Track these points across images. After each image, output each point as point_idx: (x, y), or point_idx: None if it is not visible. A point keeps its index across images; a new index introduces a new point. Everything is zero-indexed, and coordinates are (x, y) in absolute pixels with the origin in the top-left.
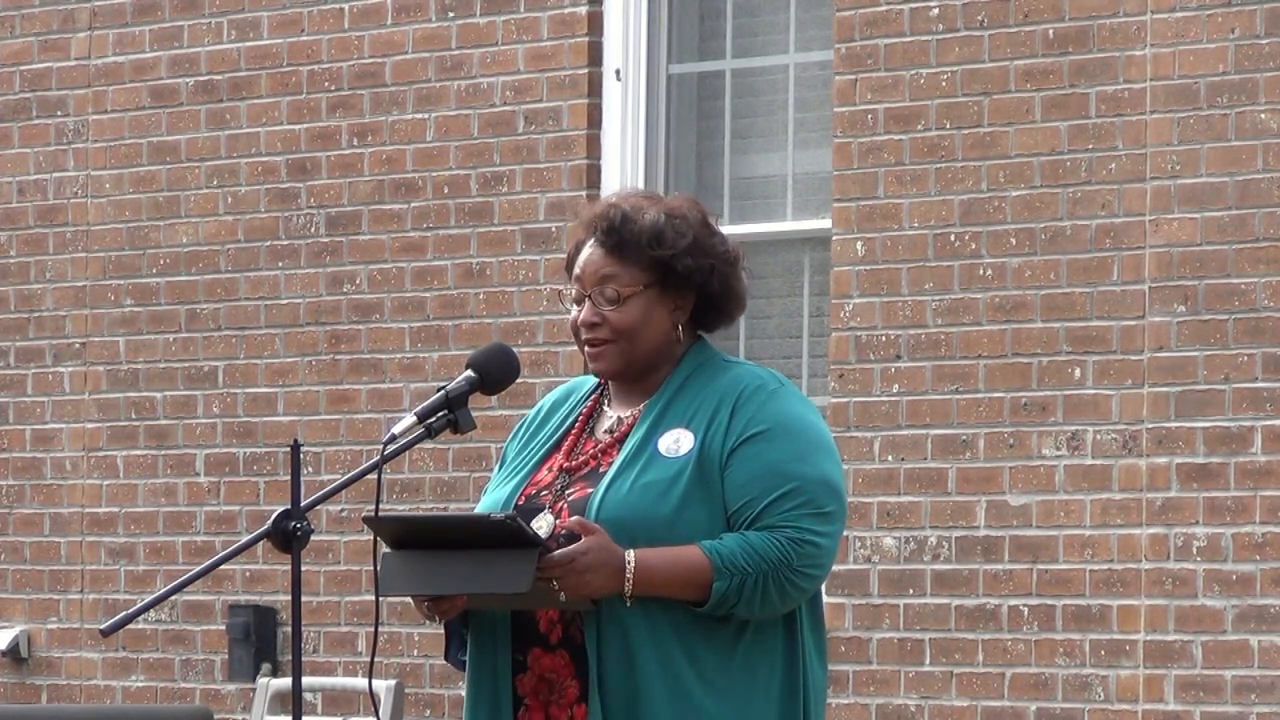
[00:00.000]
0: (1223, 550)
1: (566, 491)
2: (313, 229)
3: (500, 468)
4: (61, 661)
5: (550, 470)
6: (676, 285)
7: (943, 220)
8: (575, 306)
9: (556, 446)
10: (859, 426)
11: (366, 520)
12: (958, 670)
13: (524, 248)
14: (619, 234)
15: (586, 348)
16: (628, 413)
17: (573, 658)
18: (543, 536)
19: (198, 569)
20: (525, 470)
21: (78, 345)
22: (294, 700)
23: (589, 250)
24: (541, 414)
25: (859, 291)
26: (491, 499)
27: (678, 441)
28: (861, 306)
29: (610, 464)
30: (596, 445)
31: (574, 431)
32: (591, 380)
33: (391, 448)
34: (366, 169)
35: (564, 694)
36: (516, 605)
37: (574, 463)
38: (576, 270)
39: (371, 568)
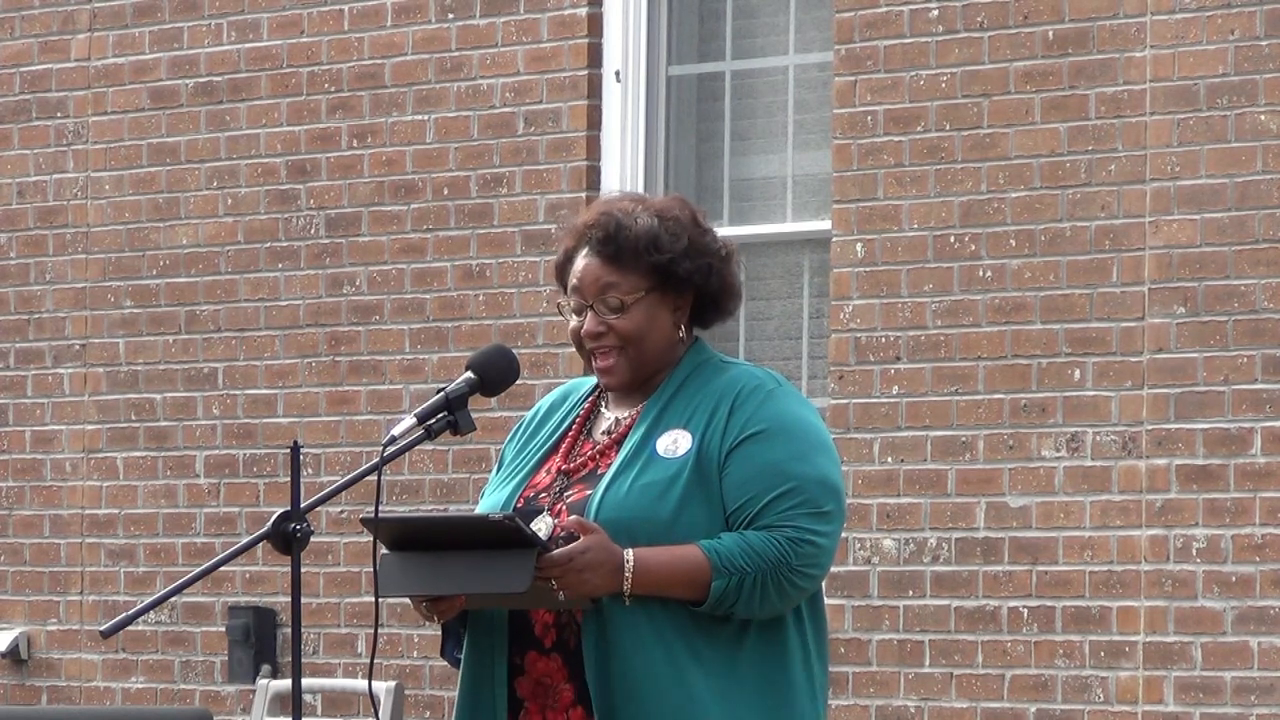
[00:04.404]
0: (1222, 552)
1: (565, 494)
2: (312, 230)
3: (498, 470)
4: (61, 663)
5: (548, 472)
6: (676, 287)
7: (942, 222)
8: (575, 317)
9: (554, 449)
10: (859, 428)
11: (364, 521)
12: (957, 672)
13: (524, 249)
14: (615, 242)
15: (595, 359)
16: (625, 414)
17: (566, 661)
18: (542, 538)
19: (197, 570)
20: (523, 472)
21: (77, 347)
22: (294, 702)
23: (585, 260)
24: (539, 416)
25: (859, 293)
26: (490, 501)
27: (676, 442)
28: (861, 308)
29: (609, 465)
30: (594, 447)
31: (572, 433)
32: (589, 381)
33: (391, 449)
34: (366, 170)
35: (559, 698)
36: (515, 605)
37: (572, 465)
38: (574, 281)
39: (371, 569)
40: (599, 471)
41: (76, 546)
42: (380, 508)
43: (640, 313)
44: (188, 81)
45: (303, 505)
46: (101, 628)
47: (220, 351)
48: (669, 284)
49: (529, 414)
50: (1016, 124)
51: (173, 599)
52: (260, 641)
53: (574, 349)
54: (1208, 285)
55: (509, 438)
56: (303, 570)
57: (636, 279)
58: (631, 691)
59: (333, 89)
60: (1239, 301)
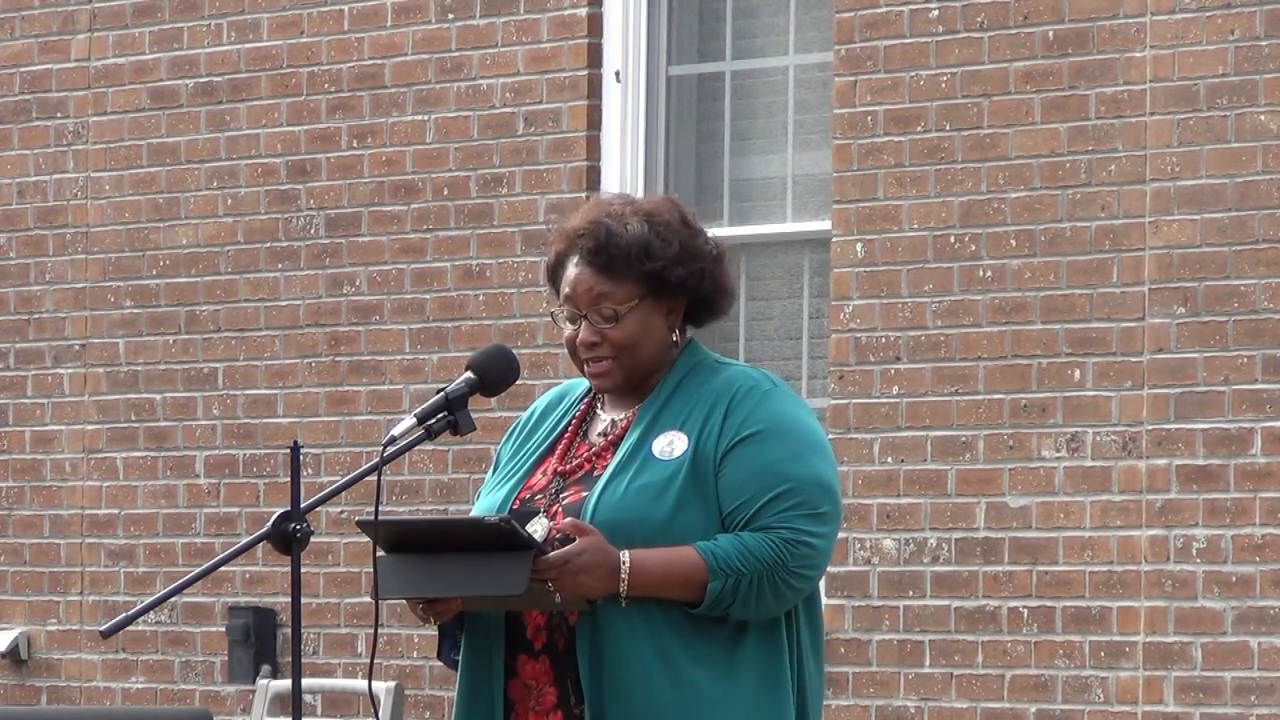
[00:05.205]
0: (1222, 552)
1: (561, 495)
2: (312, 231)
3: (494, 471)
4: (61, 663)
5: (544, 474)
6: (669, 293)
7: (942, 222)
8: (569, 325)
9: (550, 450)
10: (859, 428)
11: (361, 524)
12: (957, 672)
13: (524, 249)
14: (606, 251)
15: (588, 366)
16: (621, 415)
17: (553, 664)
18: (538, 539)
19: (197, 571)
20: (519, 474)
21: (77, 347)
22: (294, 702)
23: (577, 269)
24: (535, 417)
25: (859, 293)
26: (486, 503)
27: (672, 444)
28: (861, 308)
29: (605, 467)
30: (591, 448)
31: (568, 435)
32: (585, 383)
33: (391, 449)
34: (366, 171)
35: (541, 700)
36: (512, 607)
37: (568, 466)
38: (566, 290)
39: (371, 569)
40: (595, 473)
41: (76, 546)
42: (380, 508)
43: (634, 321)
44: (188, 81)
45: (303, 505)
46: (101, 628)
47: (220, 351)
48: (662, 290)
49: (524, 415)
50: (1016, 124)
51: (173, 599)
52: (260, 641)
53: None
54: (1208, 285)
55: (505, 438)
56: (303, 570)
57: (629, 288)
58: (623, 693)
59: (333, 89)
60: (1239, 301)
